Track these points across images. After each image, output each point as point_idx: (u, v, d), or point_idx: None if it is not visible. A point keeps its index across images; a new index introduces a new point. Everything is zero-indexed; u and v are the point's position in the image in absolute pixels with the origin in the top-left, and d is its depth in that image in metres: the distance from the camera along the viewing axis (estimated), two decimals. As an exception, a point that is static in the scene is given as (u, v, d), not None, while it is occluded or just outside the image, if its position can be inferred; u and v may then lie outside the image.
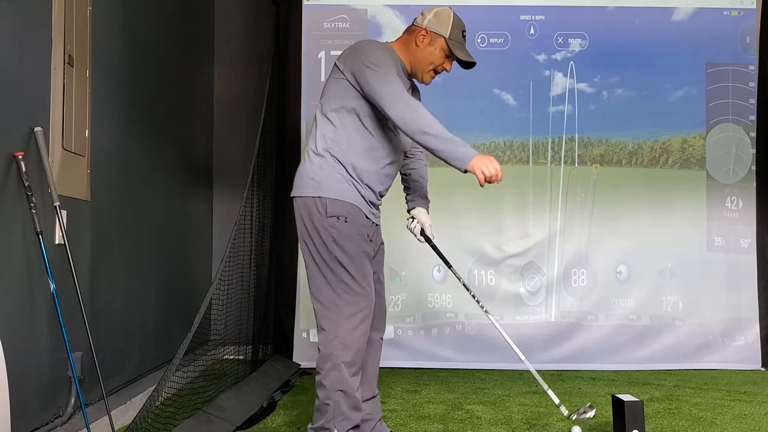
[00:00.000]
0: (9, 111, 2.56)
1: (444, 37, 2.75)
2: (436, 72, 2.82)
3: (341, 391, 2.58)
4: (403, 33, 2.86)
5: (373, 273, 2.74)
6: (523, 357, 3.12)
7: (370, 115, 2.66)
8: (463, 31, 2.80)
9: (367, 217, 2.70)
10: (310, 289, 2.70)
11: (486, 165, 2.52)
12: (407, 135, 2.59)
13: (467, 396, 4.01)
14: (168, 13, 4.38)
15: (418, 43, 2.76)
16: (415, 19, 2.82)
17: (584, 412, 2.99)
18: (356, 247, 2.64)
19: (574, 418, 3.00)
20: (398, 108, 2.54)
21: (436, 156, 2.59)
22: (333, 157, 2.65)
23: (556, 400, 3.08)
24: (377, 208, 2.79)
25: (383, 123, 2.68)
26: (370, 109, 2.64)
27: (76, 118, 3.04)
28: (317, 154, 2.67)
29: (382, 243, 2.90)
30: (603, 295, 5.00)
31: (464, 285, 3.16)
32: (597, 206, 5.07)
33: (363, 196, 2.68)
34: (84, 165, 3.16)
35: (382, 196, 2.80)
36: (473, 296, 3.20)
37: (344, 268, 2.61)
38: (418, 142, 2.60)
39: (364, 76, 2.60)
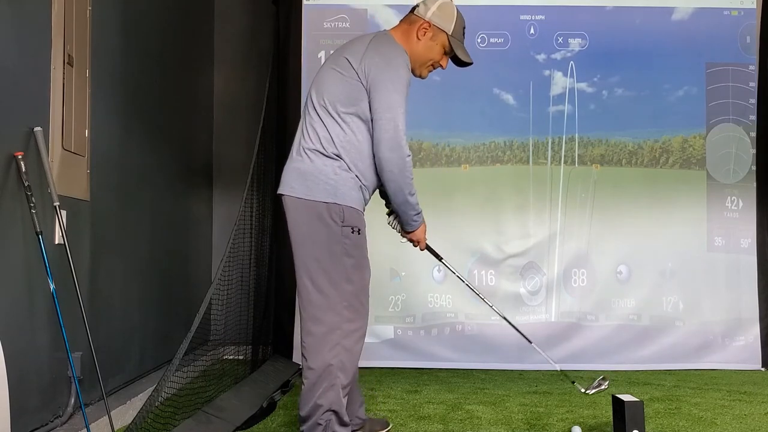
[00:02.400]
0: (9, 111, 2.56)
1: (447, 34, 2.64)
2: (433, 67, 2.72)
3: (334, 411, 2.53)
4: (402, 21, 2.72)
5: None
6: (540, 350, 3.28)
7: None
8: (464, 28, 2.70)
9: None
10: (301, 302, 2.58)
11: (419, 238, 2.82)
12: (385, 184, 2.59)
13: (467, 396, 4.01)
14: (168, 12, 4.38)
15: (420, 37, 2.64)
16: (416, 7, 2.67)
17: (599, 385, 3.00)
18: (363, 260, 2.59)
19: (591, 392, 3.08)
20: (393, 154, 2.51)
21: (395, 206, 2.69)
22: (345, 162, 2.54)
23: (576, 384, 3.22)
24: None
25: None
26: None
27: (76, 118, 3.04)
28: (328, 156, 2.54)
29: None
30: (603, 296, 4.99)
31: (462, 279, 3.17)
32: (597, 206, 5.06)
33: (365, 202, 2.65)
34: (84, 165, 3.15)
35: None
36: (476, 292, 3.20)
37: (350, 281, 2.53)
38: (388, 191, 2.62)
39: (379, 93, 2.49)
